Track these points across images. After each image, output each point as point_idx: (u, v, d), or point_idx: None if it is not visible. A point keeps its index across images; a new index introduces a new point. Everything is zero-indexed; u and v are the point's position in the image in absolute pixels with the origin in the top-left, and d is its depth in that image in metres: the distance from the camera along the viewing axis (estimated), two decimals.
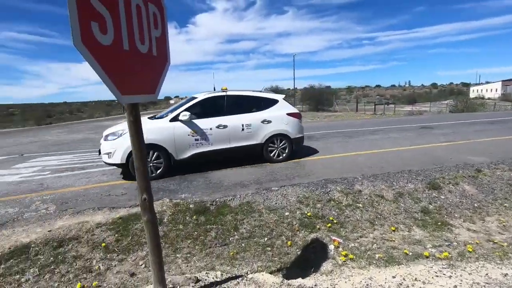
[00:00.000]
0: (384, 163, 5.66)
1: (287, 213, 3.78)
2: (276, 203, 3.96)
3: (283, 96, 6.29)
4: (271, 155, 5.86)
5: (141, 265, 2.87)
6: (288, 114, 5.95)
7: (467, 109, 25.47)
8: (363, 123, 13.68)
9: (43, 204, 4.03)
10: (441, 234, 3.47)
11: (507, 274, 2.37)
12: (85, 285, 2.61)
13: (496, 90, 63.70)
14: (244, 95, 5.86)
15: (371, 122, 14.23)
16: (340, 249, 3.16)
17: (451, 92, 71.38)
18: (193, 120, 5.18)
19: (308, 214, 3.76)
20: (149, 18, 1.58)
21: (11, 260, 2.82)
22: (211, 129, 5.27)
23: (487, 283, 2.26)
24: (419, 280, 2.33)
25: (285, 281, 2.36)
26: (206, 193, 4.23)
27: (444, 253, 2.95)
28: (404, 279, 2.36)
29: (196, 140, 5.19)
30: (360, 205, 4.03)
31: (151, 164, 4.96)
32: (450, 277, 2.38)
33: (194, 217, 3.62)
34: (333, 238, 3.35)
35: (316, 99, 38.77)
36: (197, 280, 2.24)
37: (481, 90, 69.63)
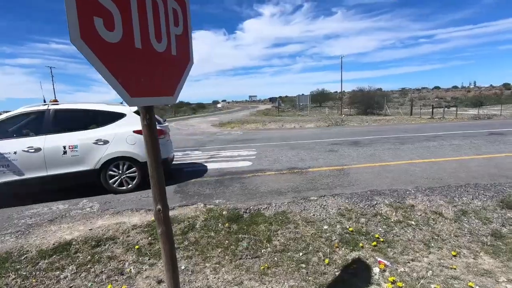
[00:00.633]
0: (443, 174, 4.95)
1: (326, 227, 3.45)
2: (314, 215, 3.65)
3: (134, 108, 4.79)
4: (113, 184, 4.69)
5: None
6: (137, 132, 4.66)
7: None
8: (418, 127, 12.45)
9: (89, 202, 4.26)
10: None
11: None
12: None
13: None
14: (75, 108, 4.82)
15: (428, 126, 12.88)
16: (387, 273, 2.74)
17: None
18: None
19: (350, 229, 3.38)
20: (167, 14, 1.46)
21: (54, 256, 2.98)
22: (15, 153, 4.24)
23: None
24: None
25: None
26: (241, 200, 4.09)
27: None
28: None
29: None
30: (413, 222, 3.52)
31: None
32: None
33: (227, 224, 3.49)
34: (379, 259, 2.93)
35: (365, 102, 36.78)
36: None
37: None
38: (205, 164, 6.52)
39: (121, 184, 4.76)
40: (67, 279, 2.72)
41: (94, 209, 4.01)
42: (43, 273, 2.78)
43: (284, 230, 3.40)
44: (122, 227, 3.42)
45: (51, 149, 4.38)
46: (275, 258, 3.00)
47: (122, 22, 1.18)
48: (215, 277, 2.73)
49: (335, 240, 3.24)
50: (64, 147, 4.45)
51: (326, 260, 2.94)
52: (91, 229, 3.39)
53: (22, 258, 2.98)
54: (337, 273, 2.80)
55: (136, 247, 3.13)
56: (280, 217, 3.60)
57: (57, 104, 4.69)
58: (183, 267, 2.83)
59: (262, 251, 3.11)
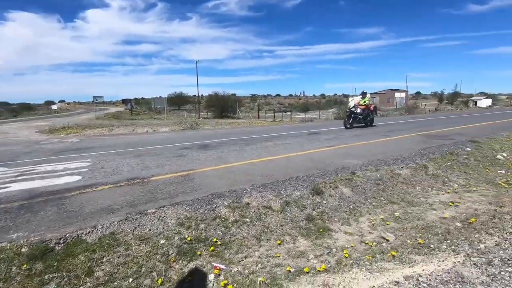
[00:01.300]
0: (275, 170, 5.67)
1: (163, 241, 3.17)
2: (150, 230, 3.30)
3: None
4: None
5: None
6: None
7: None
8: (262, 129, 14.17)
9: None
10: (322, 242, 3.48)
11: (373, 286, 2.39)
12: None
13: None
14: None
15: (270, 128, 14.91)
16: (221, 277, 2.75)
17: (335, 101, 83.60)
18: None
19: (188, 238, 3.25)
20: None
21: None
22: None
23: None
24: None
25: None
26: (54, 228, 3.22)
27: (322, 265, 2.88)
28: None
29: None
30: (248, 219, 3.77)
31: None
32: None
33: (26, 266, 2.62)
34: (215, 264, 2.92)
35: (221, 106, 39.08)
36: None
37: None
38: (8, 184, 4.89)
39: None
40: None
41: None
42: None
43: (111, 255, 2.88)
44: None
45: None
46: None
47: None
48: None
49: (172, 254, 3.01)
50: None
51: (160, 280, 2.66)
52: None
53: None
54: None
55: None
56: (107, 241, 3.04)
57: None
58: None
59: None
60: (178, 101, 61.95)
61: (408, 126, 14.25)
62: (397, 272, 2.64)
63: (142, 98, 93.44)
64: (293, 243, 3.47)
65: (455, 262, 2.72)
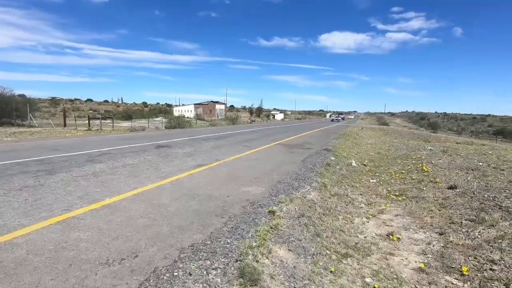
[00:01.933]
0: (132, 238, 2.56)
1: None
2: None
3: None
4: None
5: None
6: None
7: (179, 126, 27.88)
8: (75, 142, 9.41)
9: None
10: None
11: None
12: None
13: (191, 111, 79.66)
14: None
15: (89, 141, 10.26)
16: None
17: (160, 110, 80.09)
18: None
19: None
20: None
21: None
22: None
23: None
24: None
25: None
26: None
27: None
28: None
29: None
30: None
31: None
32: None
33: None
34: None
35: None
36: None
37: (181, 110, 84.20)
38: None
39: None
40: None
41: None
42: None
43: None
44: None
45: None
46: None
47: None
48: None
49: None
50: None
51: None
52: None
53: None
54: None
55: None
56: None
57: None
58: None
59: None
60: None
61: (255, 135, 13.88)
62: None
63: None
64: None
65: None
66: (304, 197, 4.35)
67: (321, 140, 12.82)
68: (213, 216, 3.18)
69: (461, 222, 3.91)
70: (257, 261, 2.43)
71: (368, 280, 2.77)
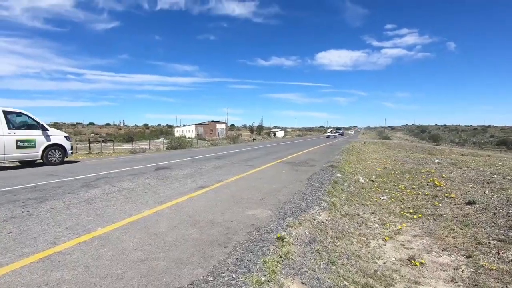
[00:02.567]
0: (119, 276, 2.23)
1: None
2: None
3: None
4: None
5: None
6: None
7: (180, 146, 27.70)
8: (73, 167, 9.15)
9: None
10: None
11: None
12: None
13: (192, 131, 79.93)
14: None
15: (87, 164, 10.00)
16: None
17: (161, 132, 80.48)
18: None
19: None
20: None
21: None
22: None
23: None
24: None
25: None
26: None
27: None
28: None
29: None
30: None
31: None
32: None
33: None
34: None
35: None
36: None
37: (182, 131, 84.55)
38: None
39: None
40: None
41: None
42: None
43: None
44: None
45: None
46: None
47: None
48: None
49: None
50: None
51: None
52: None
53: None
54: None
55: None
56: None
57: None
58: None
59: None
60: None
61: (257, 154, 13.60)
62: None
63: None
64: None
65: None
66: (314, 219, 4.02)
67: (325, 156, 12.52)
68: (216, 245, 2.85)
69: (489, 243, 3.55)
70: None
71: None
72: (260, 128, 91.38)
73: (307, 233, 3.53)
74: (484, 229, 3.92)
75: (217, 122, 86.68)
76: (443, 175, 7.18)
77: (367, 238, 4.04)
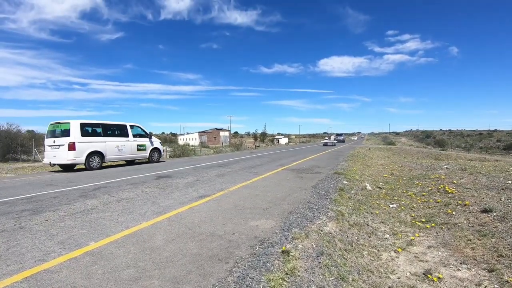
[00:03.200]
0: None
1: None
2: None
3: None
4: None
5: None
6: None
7: (183, 154, 27.56)
8: (74, 176, 9.00)
9: None
10: None
11: None
12: None
13: (195, 139, 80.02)
14: None
15: (87, 174, 9.85)
16: None
17: (165, 140, 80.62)
18: None
19: None
20: None
21: None
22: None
23: None
24: None
25: None
26: None
27: None
28: None
29: None
30: None
31: None
32: None
33: None
34: None
35: (5, 145, 26.83)
36: None
37: (186, 139, 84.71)
38: None
39: None
40: None
41: None
42: None
43: None
44: None
45: None
46: None
47: None
48: None
49: None
50: None
51: None
52: None
53: None
54: None
55: None
56: None
57: None
58: None
59: None
60: None
61: (260, 161, 13.38)
62: None
63: None
64: None
65: None
66: (321, 230, 3.78)
67: (330, 163, 12.27)
68: (216, 261, 2.63)
69: None
70: None
71: None
72: (264, 135, 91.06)
73: (314, 246, 3.30)
74: (505, 240, 3.65)
75: (221, 129, 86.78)
76: (454, 181, 6.91)
77: (378, 250, 3.79)
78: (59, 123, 10.76)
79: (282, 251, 2.94)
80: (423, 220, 4.95)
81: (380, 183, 8.46)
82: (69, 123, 10.39)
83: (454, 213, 4.96)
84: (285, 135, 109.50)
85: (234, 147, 40.93)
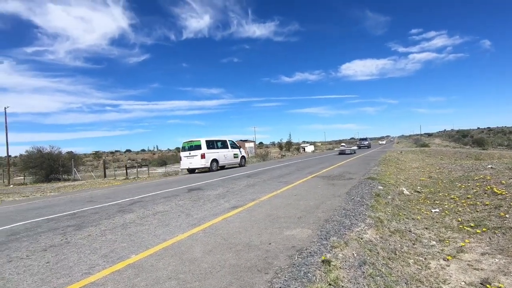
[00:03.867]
0: None
1: None
2: None
3: None
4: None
5: None
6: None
7: None
8: (111, 192, 9.44)
9: None
10: None
11: None
12: None
13: None
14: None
15: (123, 189, 10.29)
16: None
17: None
18: None
19: None
20: None
21: None
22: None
23: None
24: None
25: None
26: None
27: None
28: None
29: None
30: None
31: None
32: None
33: None
34: None
35: (47, 166, 28.91)
36: None
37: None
38: None
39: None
40: None
41: None
42: None
43: None
44: None
45: None
46: None
47: None
48: None
49: None
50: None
51: None
52: None
53: None
54: None
55: None
56: None
57: None
58: None
59: None
60: None
61: (288, 170, 13.24)
62: None
63: None
64: None
65: None
66: (361, 238, 3.61)
67: (361, 168, 11.85)
68: (255, 271, 2.58)
69: None
70: None
71: None
72: (289, 144, 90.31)
73: (355, 255, 3.14)
74: None
75: (246, 141, 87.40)
76: (503, 181, 6.36)
77: (425, 258, 3.53)
78: (192, 141, 15.65)
79: (323, 261, 2.83)
80: (472, 224, 4.57)
81: (418, 187, 8.00)
82: (200, 140, 15.19)
83: (507, 216, 4.54)
84: (311, 143, 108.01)
85: (260, 157, 40.97)
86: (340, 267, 2.77)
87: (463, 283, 2.97)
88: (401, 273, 3.05)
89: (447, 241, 4.07)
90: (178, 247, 3.31)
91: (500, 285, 2.84)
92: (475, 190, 6.37)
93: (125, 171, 28.22)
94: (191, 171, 16.28)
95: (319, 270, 2.64)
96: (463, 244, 3.91)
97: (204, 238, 3.60)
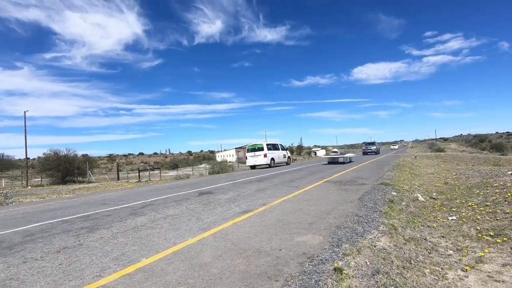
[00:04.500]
0: None
1: None
2: None
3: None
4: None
5: None
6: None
7: (222, 170, 28.10)
8: (124, 195, 9.58)
9: None
10: None
11: None
12: None
13: (232, 155, 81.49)
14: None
15: (136, 192, 10.42)
16: None
17: (203, 157, 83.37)
18: None
19: None
20: None
21: None
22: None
23: None
24: None
25: None
26: None
27: None
28: None
29: None
30: None
31: None
32: None
33: None
34: None
35: (63, 169, 29.74)
36: None
37: (224, 155, 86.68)
38: None
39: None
40: None
41: None
42: None
43: None
44: None
45: None
46: None
47: None
48: None
49: None
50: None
51: None
52: None
53: None
54: None
55: None
56: None
57: None
58: None
59: None
60: None
61: (299, 174, 13.12)
62: None
63: None
64: None
65: None
66: (374, 246, 3.51)
67: (374, 173, 11.62)
68: (265, 279, 2.54)
69: None
70: None
71: None
72: (300, 148, 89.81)
73: (368, 263, 3.06)
74: None
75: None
76: None
77: (442, 268, 3.40)
78: (256, 144, 21.19)
79: (334, 269, 2.76)
80: (492, 233, 4.38)
81: (434, 193, 7.77)
82: (262, 143, 20.79)
83: None
84: (322, 147, 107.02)
85: None
86: (352, 276, 2.69)
87: None
88: (417, 283, 2.95)
89: (465, 251, 3.92)
90: (188, 252, 3.31)
91: None
92: (494, 197, 6.13)
93: (137, 174, 28.65)
94: (252, 167, 21.40)
95: (330, 278, 2.58)
96: (483, 254, 3.75)
97: (214, 243, 3.59)
